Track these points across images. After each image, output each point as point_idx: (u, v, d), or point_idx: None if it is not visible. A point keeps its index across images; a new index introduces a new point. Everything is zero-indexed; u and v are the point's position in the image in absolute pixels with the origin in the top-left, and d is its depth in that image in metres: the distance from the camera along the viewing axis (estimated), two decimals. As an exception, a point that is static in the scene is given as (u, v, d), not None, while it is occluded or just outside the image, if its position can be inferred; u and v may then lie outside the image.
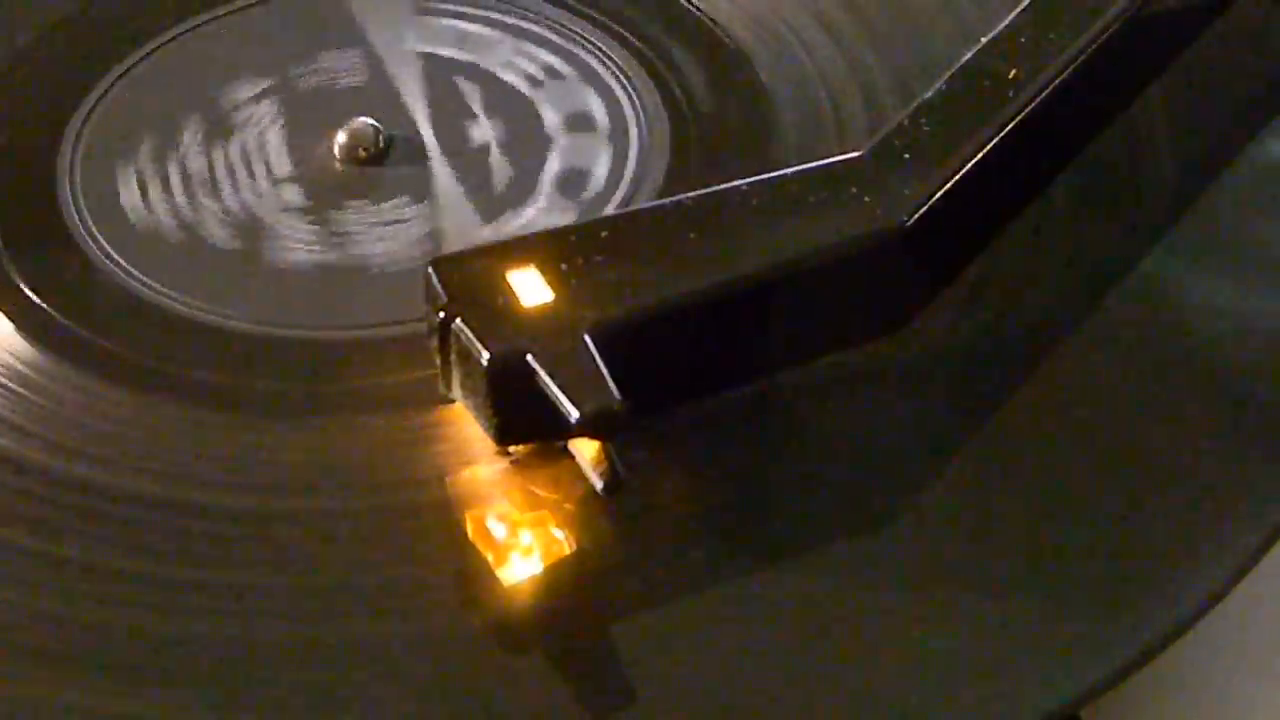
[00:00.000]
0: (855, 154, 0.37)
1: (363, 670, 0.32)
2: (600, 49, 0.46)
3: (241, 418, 0.37)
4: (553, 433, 0.33)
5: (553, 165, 0.42)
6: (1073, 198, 0.41)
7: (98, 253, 0.41)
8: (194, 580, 0.34)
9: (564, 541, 0.34)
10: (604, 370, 0.32)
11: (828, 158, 0.37)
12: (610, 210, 0.41)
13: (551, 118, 0.44)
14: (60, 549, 0.34)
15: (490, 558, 0.34)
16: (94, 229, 0.41)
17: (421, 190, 0.42)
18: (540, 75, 0.45)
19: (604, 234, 0.35)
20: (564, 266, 0.34)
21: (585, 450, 0.33)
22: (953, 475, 0.35)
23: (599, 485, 0.33)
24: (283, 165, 0.43)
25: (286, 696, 0.32)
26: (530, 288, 0.34)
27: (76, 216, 0.42)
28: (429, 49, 0.46)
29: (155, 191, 0.42)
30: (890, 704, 0.32)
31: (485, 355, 0.33)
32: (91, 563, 0.34)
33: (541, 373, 0.32)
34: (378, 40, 0.46)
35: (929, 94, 0.38)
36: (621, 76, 0.45)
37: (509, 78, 0.45)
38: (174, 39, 0.47)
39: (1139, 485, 0.35)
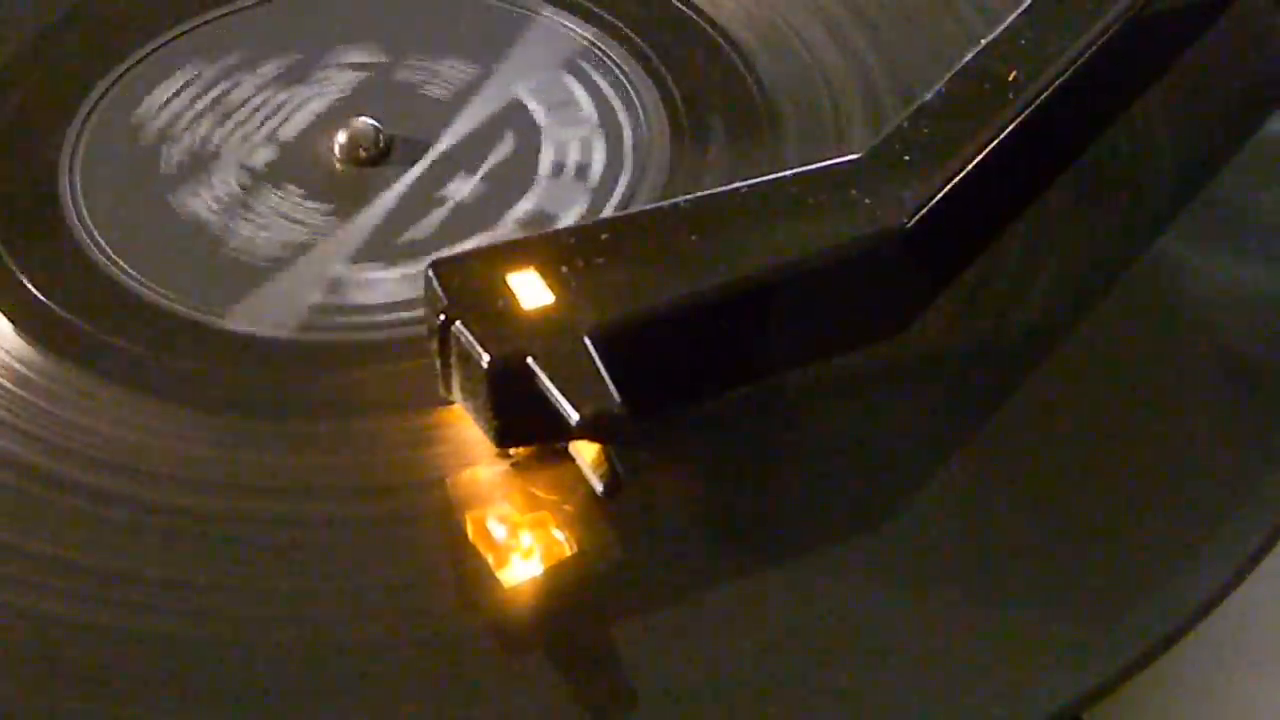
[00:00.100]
0: (855, 156, 0.37)
1: (364, 672, 0.32)
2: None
3: (241, 419, 0.37)
4: (553, 435, 0.33)
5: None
6: (1073, 198, 0.41)
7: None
8: (193, 582, 0.34)
9: (564, 543, 0.34)
10: (604, 373, 0.32)
11: (828, 159, 0.37)
12: (609, 212, 0.41)
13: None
14: (60, 550, 0.34)
15: (491, 559, 0.34)
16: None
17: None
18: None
19: (603, 236, 0.35)
20: (564, 269, 0.34)
21: (585, 452, 0.33)
22: (953, 475, 0.35)
23: (599, 487, 0.33)
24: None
25: (287, 698, 0.32)
26: (530, 290, 0.34)
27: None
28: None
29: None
30: (890, 705, 0.32)
31: (485, 358, 0.33)
32: (91, 564, 0.34)
33: (541, 375, 0.32)
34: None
35: (929, 96, 0.38)
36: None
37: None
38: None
39: (1139, 486, 0.35)
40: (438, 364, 0.34)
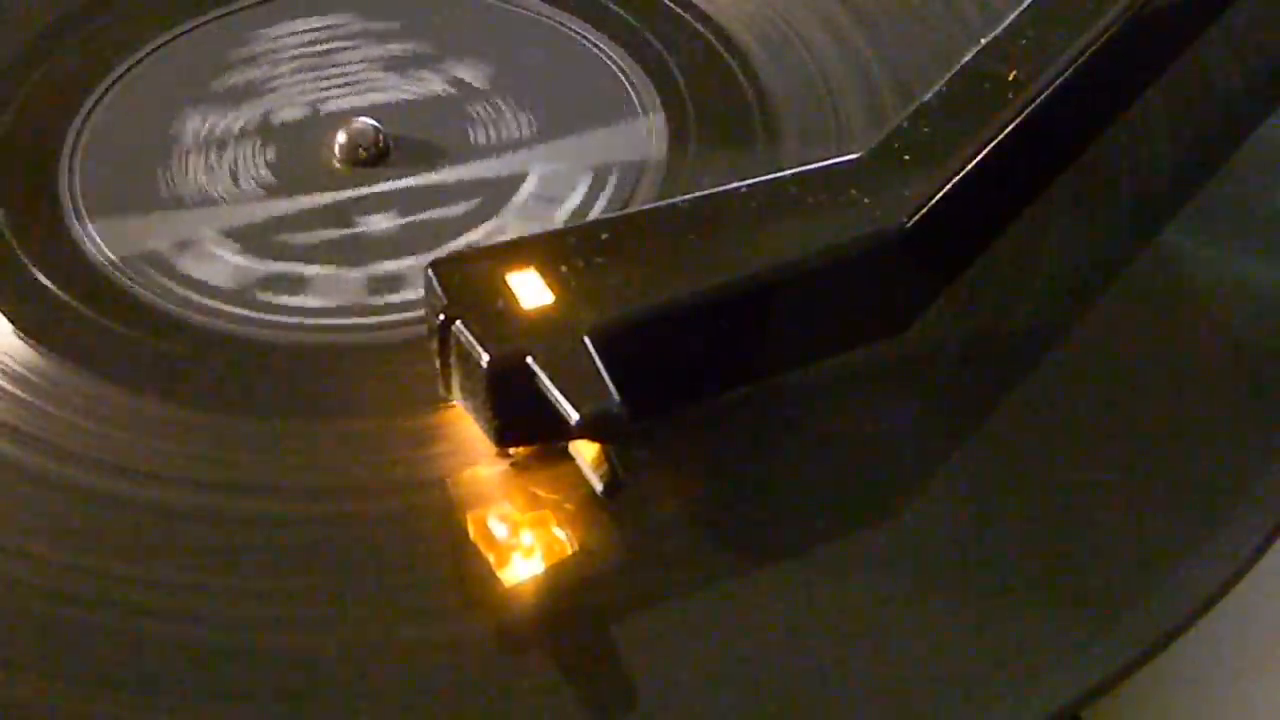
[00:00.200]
0: (855, 155, 0.37)
1: (365, 671, 0.32)
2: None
3: (242, 420, 0.37)
4: (553, 435, 0.33)
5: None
6: (1073, 198, 0.41)
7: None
8: (193, 583, 0.34)
9: (565, 542, 0.34)
10: (604, 372, 0.32)
11: (828, 158, 0.37)
12: (608, 212, 0.41)
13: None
14: (60, 552, 0.34)
15: (492, 558, 0.34)
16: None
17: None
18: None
19: (603, 236, 0.35)
20: (564, 268, 0.34)
21: (585, 452, 0.33)
22: (953, 475, 0.35)
23: (599, 487, 0.33)
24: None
25: (288, 698, 0.32)
26: (530, 290, 0.34)
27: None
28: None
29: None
30: (891, 704, 0.32)
31: (485, 358, 0.33)
32: (90, 566, 0.34)
33: (541, 375, 0.32)
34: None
35: (929, 95, 0.38)
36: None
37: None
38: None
39: (1139, 484, 0.35)
40: (437, 364, 0.34)
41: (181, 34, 0.47)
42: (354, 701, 0.32)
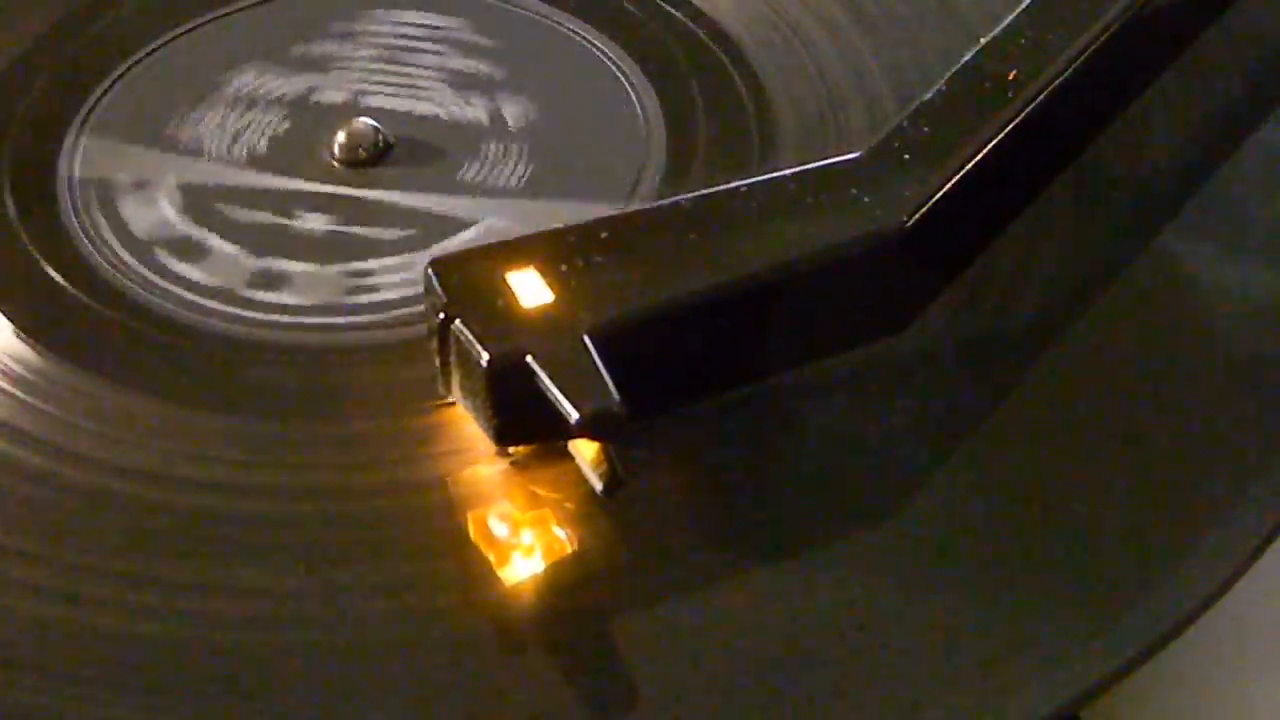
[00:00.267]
0: (854, 154, 0.37)
1: (364, 670, 0.32)
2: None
3: (242, 419, 0.37)
4: (552, 434, 0.33)
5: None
6: (1072, 198, 0.41)
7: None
8: (195, 583, 0.34)
9: (565, 541, 0.34)
10: (603, 371, 0.32)
11: (827, 158, 0.37)
12: (609, 211, 0.41)
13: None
14: (59, 552, 0.34)
15: (492, 557, 0.34)
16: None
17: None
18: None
19: (603, 235, 0.35)
20: (563, 267, 0.34)
21: (585, 451, 0.33)
22: (953, 474, 0.35)
23: (599, 486, 0.33)
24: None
25: (288, 697, 0.32)
26: (530, 289, 0.34)
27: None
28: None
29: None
30: (889, 704, 0.32)
31: (485, 356, 0.33)
32: (90, 565, 0.34)
33: (541, 374, 0.32)
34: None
35: (929, 95, 0.38)
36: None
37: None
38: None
39: (1138, 483, 0.35)
40: (437, 363, 0.34)
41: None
42: (354, 700, 0.32)
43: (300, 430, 0.36)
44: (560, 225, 0.36)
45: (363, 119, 0.43)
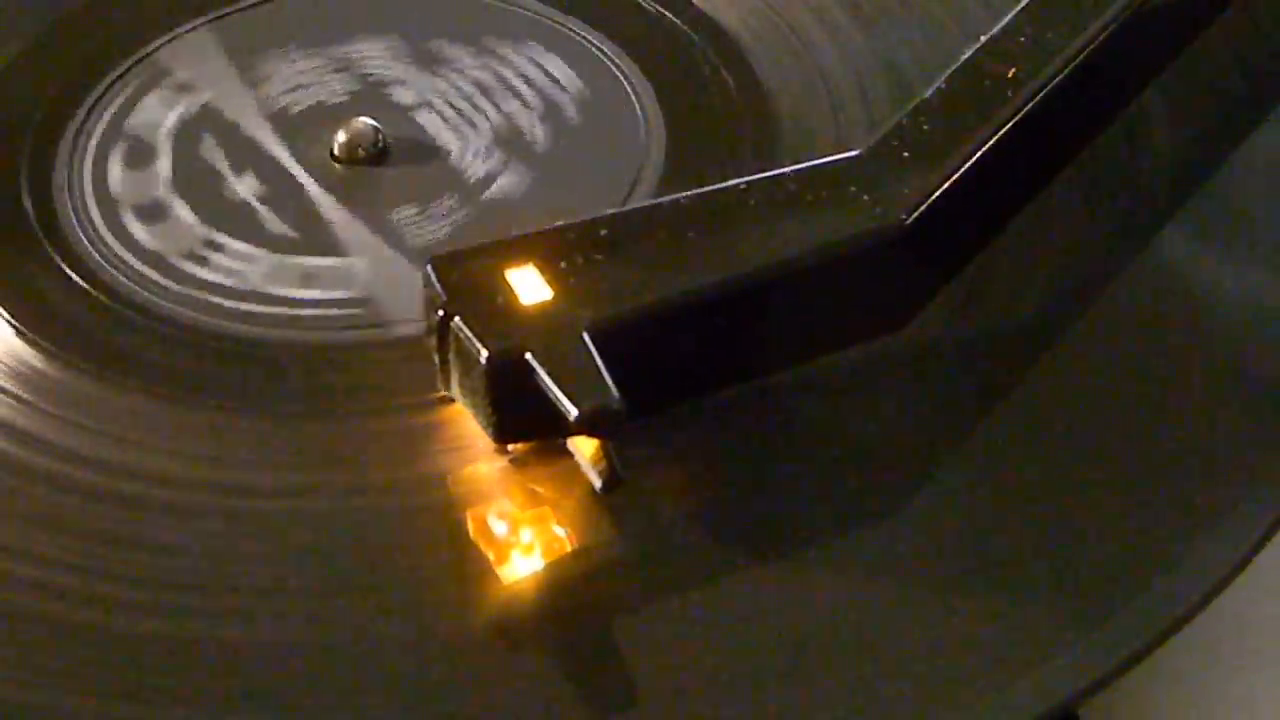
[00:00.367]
0: (854, 152, 0.37)
1: (363, 668, 0.32)
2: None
3: (241, 418, 0.37)
4: (551, 431, 0.33)
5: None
6: (1072, 196, 0.41)
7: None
8: (194, 582, 0.34)
9: (564, 539, 0.34)
10: (602, 369, 0.32)
11: (827, 156, 0.37)
12: (608, 209, 0.41)
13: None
14: (60, 551, 0.34)
15: (491, 555, 0.34)
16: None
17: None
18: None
19: (602, 232, 0.35)
20: (562, 265, 0.34)
21: (584, 448, 0.33)
22: (952, 473, 0.35)
23: (598, 483, 0.33)
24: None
25: (287, 696, 0.32)
26: (529, 286, 0.34)
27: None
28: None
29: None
30: (889, 702, 0.32)
31: (484, 354, 0.33)
32: (90, 565, 0.34)
33: (540, 371, 0.32)
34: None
35: (928, 93, 0.38)
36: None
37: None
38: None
39: (1137, 481, 0.35)
40: (436, 360, 0.34)
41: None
42: (354, 699, 0.32)
43: (300, 428, 0.36)
44: (560, 223, 0.36)
45: (363, 119, 0.43)
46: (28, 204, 0.42)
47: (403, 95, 0.45)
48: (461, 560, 0.34)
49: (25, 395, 0.37)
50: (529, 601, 0.33)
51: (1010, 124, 0.37)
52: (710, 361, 0.36)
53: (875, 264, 0.36)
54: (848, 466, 0.35)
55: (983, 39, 0.39)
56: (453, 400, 0.35)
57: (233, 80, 0.45)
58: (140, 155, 0.43)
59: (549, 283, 0.34)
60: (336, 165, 0.43)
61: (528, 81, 0.45)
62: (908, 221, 0.36)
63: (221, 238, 0.41)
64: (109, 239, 0.41)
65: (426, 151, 0.43)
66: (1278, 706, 0.37)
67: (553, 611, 0.33)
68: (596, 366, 0.32)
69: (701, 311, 0.34)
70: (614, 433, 0.32)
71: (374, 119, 0.43)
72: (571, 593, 0.33)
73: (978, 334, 0.38)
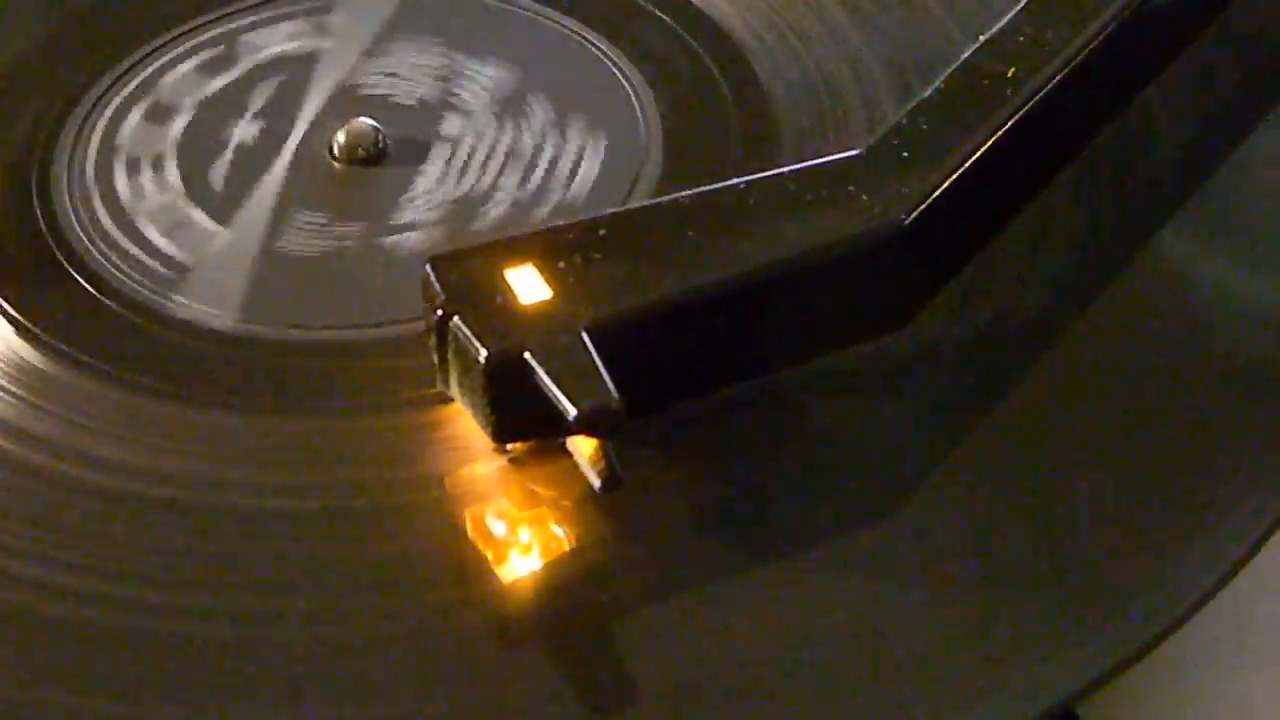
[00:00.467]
0: (854, 152, 0.37)
1: (362, 667, 0.32)
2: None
3: (241, 418, 0.37)
4: (550, 431, 0.33)
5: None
6: (1072, 196, 0.41)
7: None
8: (194, 581, 0.34)
9: (563, 539, 0.34)
10: (601, 368, 0.32)
11: (827, 157, 0.37)
12: (608, 209, 0.41)
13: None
14: (60, 551, 0.34)
15: (489, 555, 0.34)
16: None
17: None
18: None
19: (602, 232, 0.35)
20: (562, 264, 0.34)
21: (583, 448, 0.33)
22: (951, 474, 0.35)
23: (597, 483, 0.33)
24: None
25: (286, 695, 0.32)
26: (528, 285, 0.34)
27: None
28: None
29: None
30: (889, 700, 0.31)
31: (483, 353, 0.33)
32: (90, 565, 0.34)
33: (539, 371, 0.32)
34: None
35: (928, 93, 0.38)
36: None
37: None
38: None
39: (1136, 481, 0.35)
40: (435, 360, 0.34)
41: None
42: (353, 697, 0.32)
43: (298, 428, 0.36)
44: (559, 223, 0.36)
45: (363, 119, 0.43)
46: (28, 204, 0.42)
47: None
48: (460, 560, 0.34)
49: (25, 395, 0.37)
50: (527, 601, 0.33)
51: (1010, 124, 0.37)
52: (709, 361, 0.36)
53: (875, 264, 0.36)
54: (848, 466, 0.35)
55: (982, 39, 0.39)
56: (452, 400, 0.35)
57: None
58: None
59: (548, 282, 0.34)
60: (336, 165, 0.43)
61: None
62: (907, 221, 0.36)
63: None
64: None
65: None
66: (1277, 706, 0.36)
67: (551, 611, 0.33)
68: (595, 366, 0.32)
69: (701, 311, 0.34)
70: (613, 433, 0.32)
71: (374, 119, 0.43)
72: (570, 592, 0.33)
73: (978, 334, 0.38)
